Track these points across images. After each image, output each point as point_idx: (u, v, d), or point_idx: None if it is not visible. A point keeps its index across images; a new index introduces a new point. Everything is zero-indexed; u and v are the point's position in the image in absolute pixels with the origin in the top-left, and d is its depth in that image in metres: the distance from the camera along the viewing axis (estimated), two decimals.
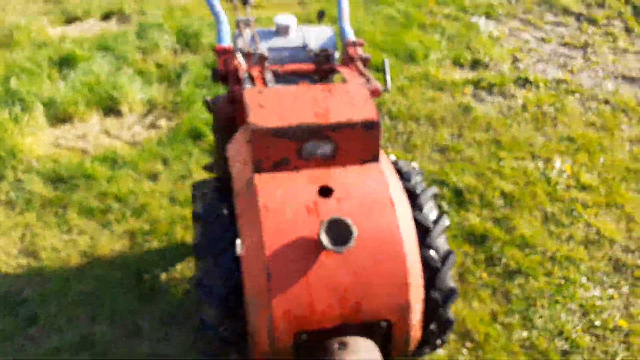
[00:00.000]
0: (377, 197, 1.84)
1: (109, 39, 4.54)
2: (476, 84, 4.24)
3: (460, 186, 3.27)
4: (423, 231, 1.94)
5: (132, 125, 3.71)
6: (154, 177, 3.25)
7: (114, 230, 2.90)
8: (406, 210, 1.91)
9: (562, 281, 2.76)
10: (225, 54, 2.23)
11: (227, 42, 2.29)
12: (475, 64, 4.51)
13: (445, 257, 1.95)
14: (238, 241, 1.81)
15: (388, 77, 2.29)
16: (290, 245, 1.73)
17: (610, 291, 2.74)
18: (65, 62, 4.17)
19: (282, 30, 2.42)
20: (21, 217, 2.97)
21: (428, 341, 2.00)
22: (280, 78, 2.28)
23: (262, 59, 2.18)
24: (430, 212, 2.01)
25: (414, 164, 2.20)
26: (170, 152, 3.41)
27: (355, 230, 1.70)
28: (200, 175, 3.14)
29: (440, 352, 2.38)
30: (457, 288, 1.96)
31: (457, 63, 4.51)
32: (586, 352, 2.45)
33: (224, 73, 2.22)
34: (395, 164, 2.12)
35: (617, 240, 3.01)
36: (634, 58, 4.76)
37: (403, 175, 2.07)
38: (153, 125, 3.69)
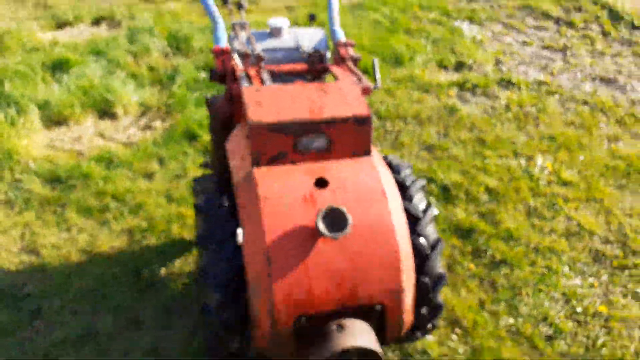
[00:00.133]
0: (369, 187, 1.94)
1: (100, 43, 4.61)
2: (461, 85, 4.39)
3: (447, 183, 3.40)
4: (413, 220, 2.04)
5: (127, 127, 3.78)
6: (149, 176, 3.33)
7: (112, 228, 2.97)
8: (397, 200, 2.00)
9: (545, 271, 2.89)
10: (222, 55, 2.32)
11: (224, 44, 2.38)
12: (460, 67, 4.66)
13: (434, 245, 2.05)
14: (239, 230, 1.91)
15: (378, 75, 2.40)
16: (289, 233, 1.81)
17: (591, 280, 2.87)
18: (58, 66, 4.23)
19: (275, 32, 2.52)
20: (20, 216, 3.03)
21: (419, 325, 2.10)
22: (276, 77, 2.38)
23: (259, 59, 2.28)
24: (420, 202, 2.11)
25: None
26: (166, 152, 3.49)
27: (350, 218, 1.80)
28: (196, 174, 3.22)
29: (431, 338, 2.49)
30: (445, 274, 2.07)
31: (442, 65, 4.65)
32: (569, 337, 2.57)
33: (221, 73, 2.31)
34: (385, 158, 2.23)
35: (597, 233, 3.15)
36: (610, 60, 4.94)
37: (393, 168, 2.17)
38: (148, 127, 3.77)
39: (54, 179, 3.26)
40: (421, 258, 2.01)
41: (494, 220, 3.16)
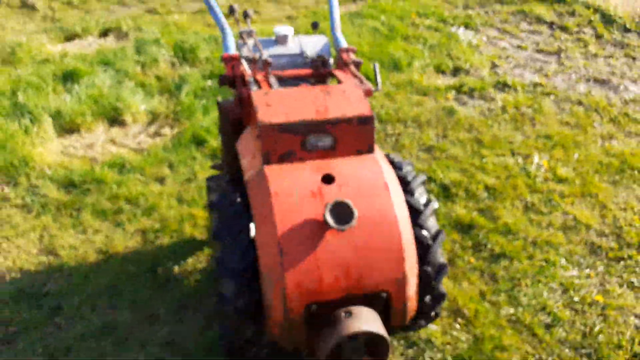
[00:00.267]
0: (373, 183, 2.06)
1: (108, 54, 4.75)
2: (458, 88, 4.52)
3: (446, 181, 3.52)
4: (415, 213, 2.16)
5: (137, 134, 3.92)
6: (161, 180, 3.46)
7: (126, 229, 3.09)
8: (399, 194, 2.12)
9: (544, 263, 3.00)
10: (232, 61, 2.45)
11: (232, 51, 2.51)
12: (457, 71, 4.80)
13: (435, 236, 2.18)
14: (252, 225, 2.03)
15: (379, 78, 2.54)
16: (299, 226, 1.93)
17: (587, 271, 2.99)
18: (69, 77, 4.37)
19: (281, 40, 2.66)
20: (38, 220, 3.15)
21: (423, 313, 2.21)
22: (282, 82, 2.51)
23: (266, 64, 2.41)
24: (421, 196, 2.24)
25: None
26: (175, 157, 3.62)
27: (356, 211, 1.92)
28: (205, 177, 3.34)
29: (434, 327, 2.60)
30: (447, 264, 2.19)
31: (439, 70, 4.79)
32: (567, 325, 2.68)
33: (231, 78, 2.44)
34: (387, 156, 2.36)
35: (592, 226, 3.27)
36: (603, 62, 5.09)
37: (395, 165, 2.30)
38: (157, 134, 3.91)
39: (68, 184, 3.39)
40: (423, 249, 2.13)
41: (492, 215, 3.28)
